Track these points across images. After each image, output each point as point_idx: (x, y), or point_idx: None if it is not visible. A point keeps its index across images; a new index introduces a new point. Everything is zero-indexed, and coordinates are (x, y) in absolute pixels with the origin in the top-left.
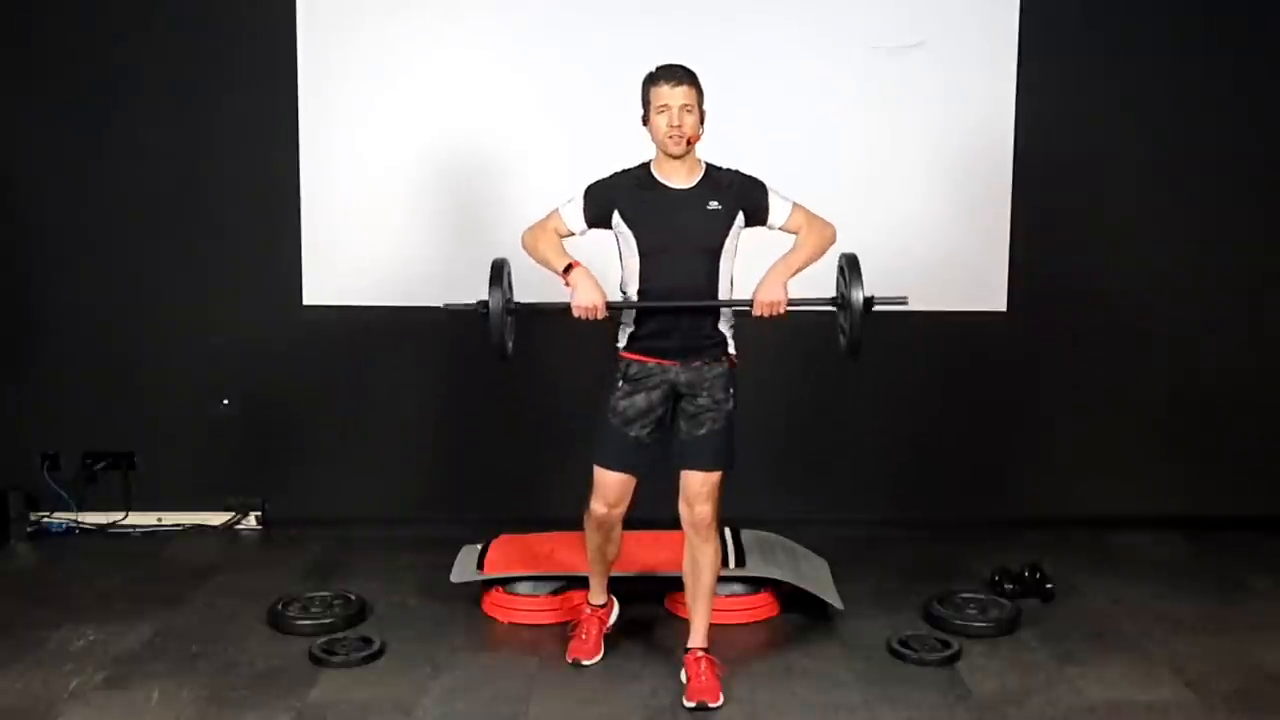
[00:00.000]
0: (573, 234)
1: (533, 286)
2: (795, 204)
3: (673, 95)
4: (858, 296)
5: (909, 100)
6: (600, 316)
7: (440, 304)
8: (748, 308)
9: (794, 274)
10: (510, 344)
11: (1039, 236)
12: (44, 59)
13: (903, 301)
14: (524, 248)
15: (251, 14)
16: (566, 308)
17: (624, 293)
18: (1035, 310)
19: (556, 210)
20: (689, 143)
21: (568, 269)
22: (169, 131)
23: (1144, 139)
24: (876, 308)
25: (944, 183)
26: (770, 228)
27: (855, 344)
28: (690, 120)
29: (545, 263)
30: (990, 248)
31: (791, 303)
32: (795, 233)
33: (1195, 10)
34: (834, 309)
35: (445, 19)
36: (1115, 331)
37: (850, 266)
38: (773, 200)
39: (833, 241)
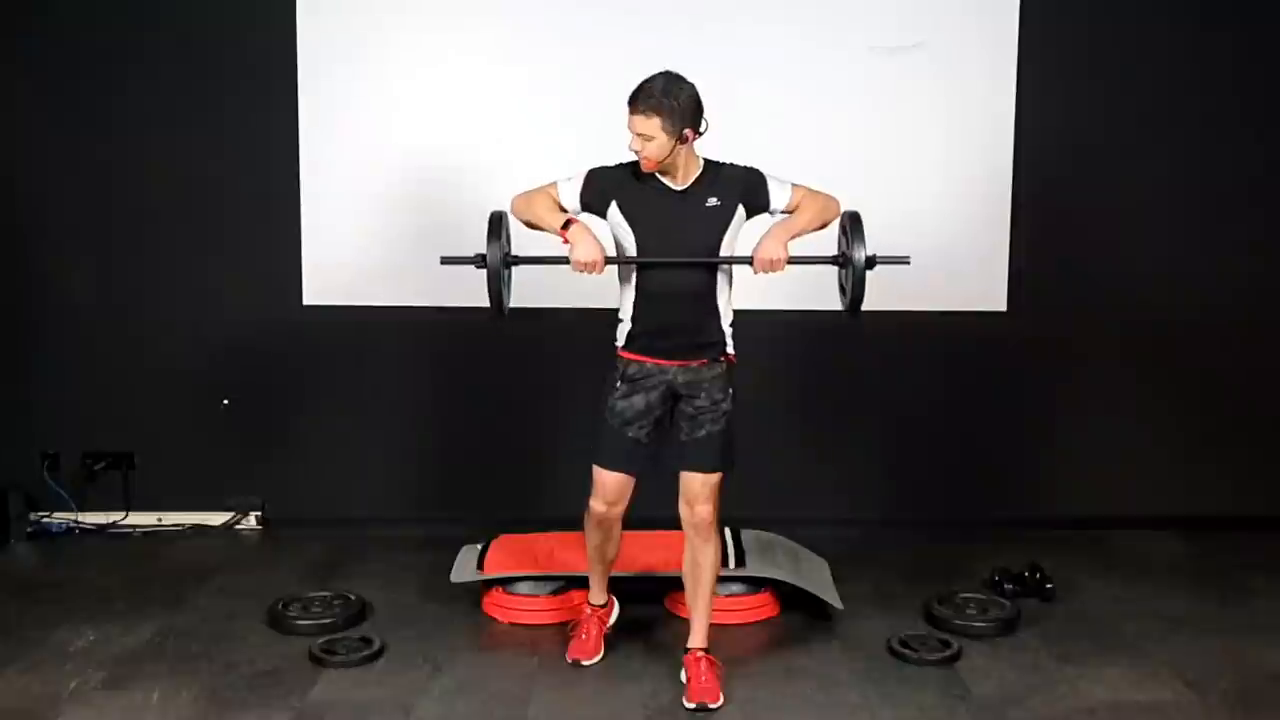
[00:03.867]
0: (564, 210)
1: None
2: (794, 185)
3: (632, 123)
4: (859, 255)
5: (909, 101)
6: (599, 272)
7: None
8: (748, 264)
9: (794, 235)
10: (508, 298)
11: (1039, 236)
12: (44, 60)
13: (905, 261)
14: (514, 211)
15: (251, 16)
16: (565, 260)
17: (622, 287)
18: (1035, 310)
19: (554, 182)
20: (655, 163)
21: (566, 225)
22: (169, 132)
23: (1144, 138)
24: (878, 265)
25: (944, 183)
26: (773, 213)
27: (856, 301)
28: (651, 148)
29: (540, 222)
30: (990, 248)
31: (792, 260)
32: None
33: (1195, 10)
34: (835, 266)
35: (445, 20)
36: (1115, 331)
37: (853, 224)
38: (772, 186)
39: (837, 212)
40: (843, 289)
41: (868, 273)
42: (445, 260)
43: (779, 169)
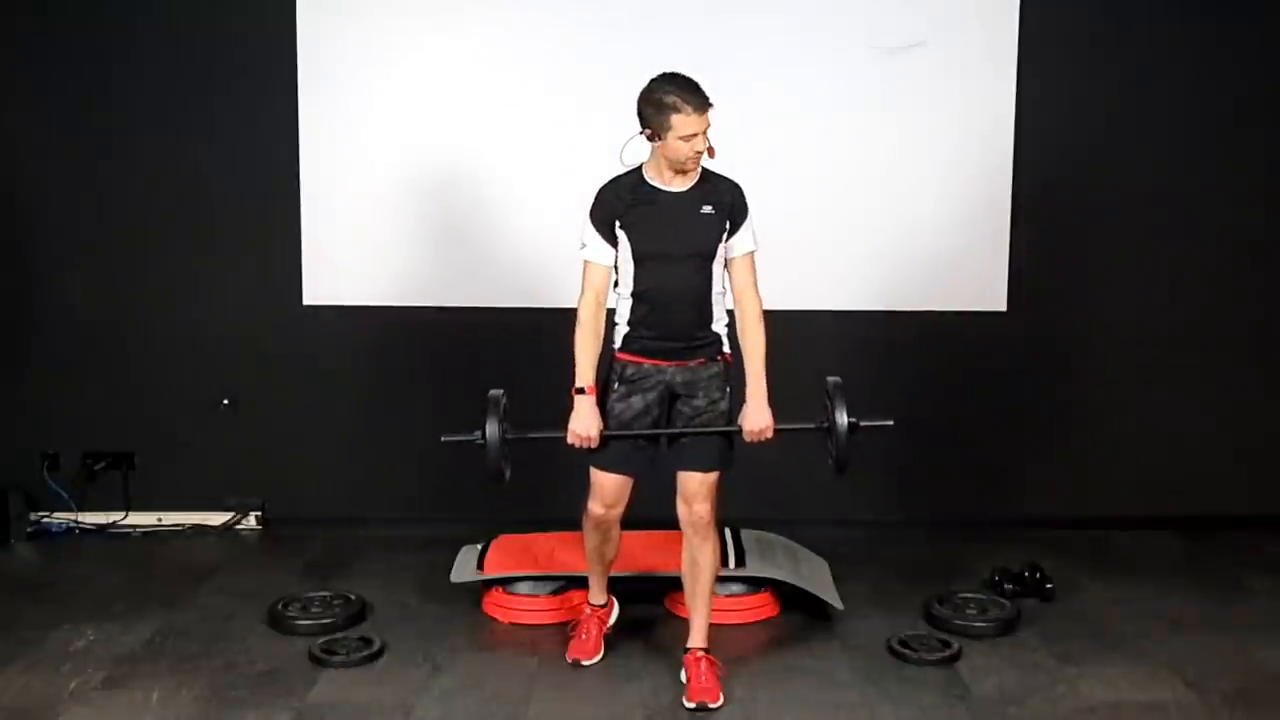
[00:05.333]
0: (611, 266)
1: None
2: (753, 252)
3: (700, 124)
4: (843, 421)
5: (909, 100)
6: (594, 446)
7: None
8: (737, 433)
9: (767, 387)
10: (508, 472)
11: (1039, 237)
12: (43, 59)
13: (888, 425)
14: (577, 317)
15: (251, 14)
16: (561, 437)
17: (618, 294)
18: (1035, 310)
19: (586, 262)
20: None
21: (579, 390)
22: (169, 132)
23: (1144, 138)
24: (862, 427)
25: (944, 183)
26: (727, 252)
27: (842, 464)
28: (707, 141)
29: (575, 359)
30: (990, 248)
31: (779, 430)
32: (731, 273)
33: (1195, 10)
34: (821, 432)
35: (446, 20)
36: (1115, 331)
37: (836, 391)
38: (743, 231)
39: (760, 315)
40: (829, 453)
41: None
42: (446, 440)
43: (779, 171)
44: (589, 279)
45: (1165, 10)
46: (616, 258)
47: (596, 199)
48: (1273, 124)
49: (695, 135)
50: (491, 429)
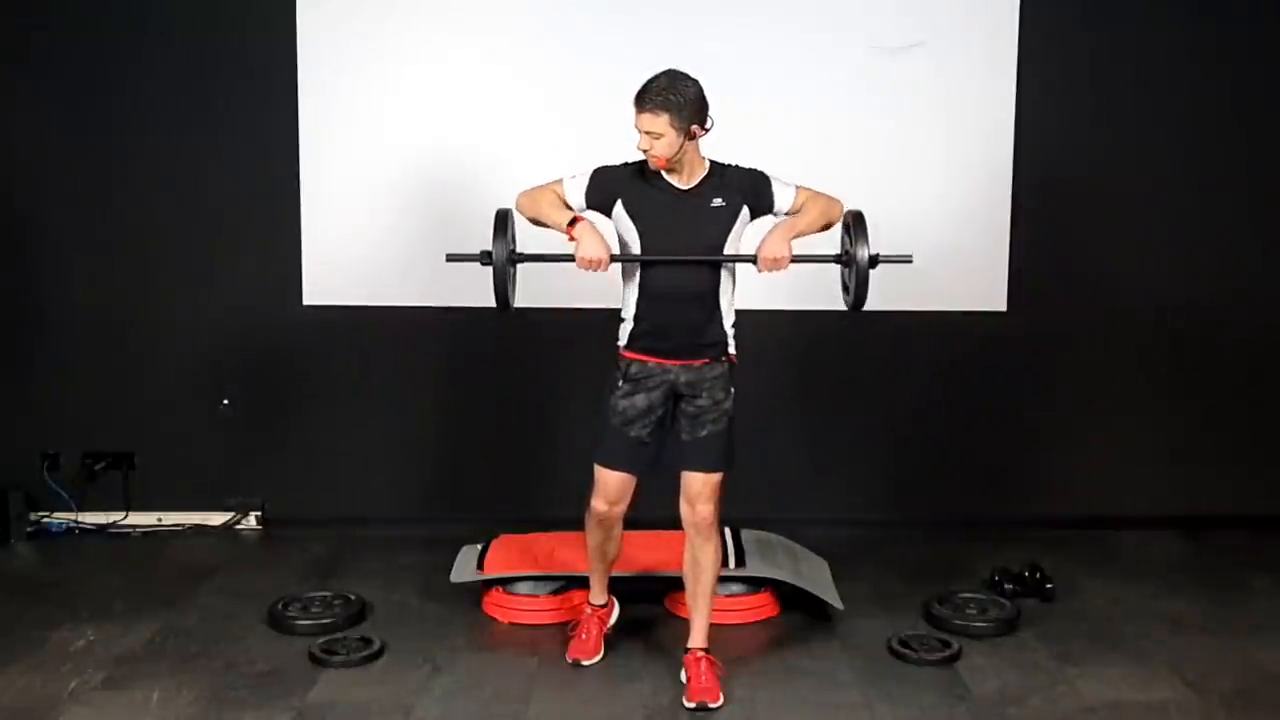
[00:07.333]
0: (569, 208)
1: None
2: (798, 186)
3: (640, 121)
4: (863, 253)
5: (909, 100)
6: (604, 269)
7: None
8: (752, 262)
9: (798, 235)
10: (513, 294)
11: (1039, 236)
12: (44, 59)
13: (907, 259)
14: (519, 208)
15: (251, 15)
16: (571, 258)
17: (625, 286)
18: (1035, 310)
19: (560, 180)
20: (665, 160)
21: (573, 223)
22: (169, 132)
23: (1144, 138)
24: (881, 264)
25: (944, 183)
26: (777, 215)
27: (859, 300)
28: (661, 145)
29: (545, 219)
30: (990, 248)
31: (795, 258)
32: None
33: (1194, 11)
34: (839, 265)
35: (446, 19)
36: (1115, 331)
37: (856, 223)
38: (776, 188)
39: (840, 213)
40: (846, 288)
41: (870, 272)
42: (451, 258)
43: (780, 169)
44: (549, 185)
45: (1164, 11)
46: (620, 242)
47: (612, 165)
48: (1272, 123)
49: (639, 132)
50: (498, 248)
